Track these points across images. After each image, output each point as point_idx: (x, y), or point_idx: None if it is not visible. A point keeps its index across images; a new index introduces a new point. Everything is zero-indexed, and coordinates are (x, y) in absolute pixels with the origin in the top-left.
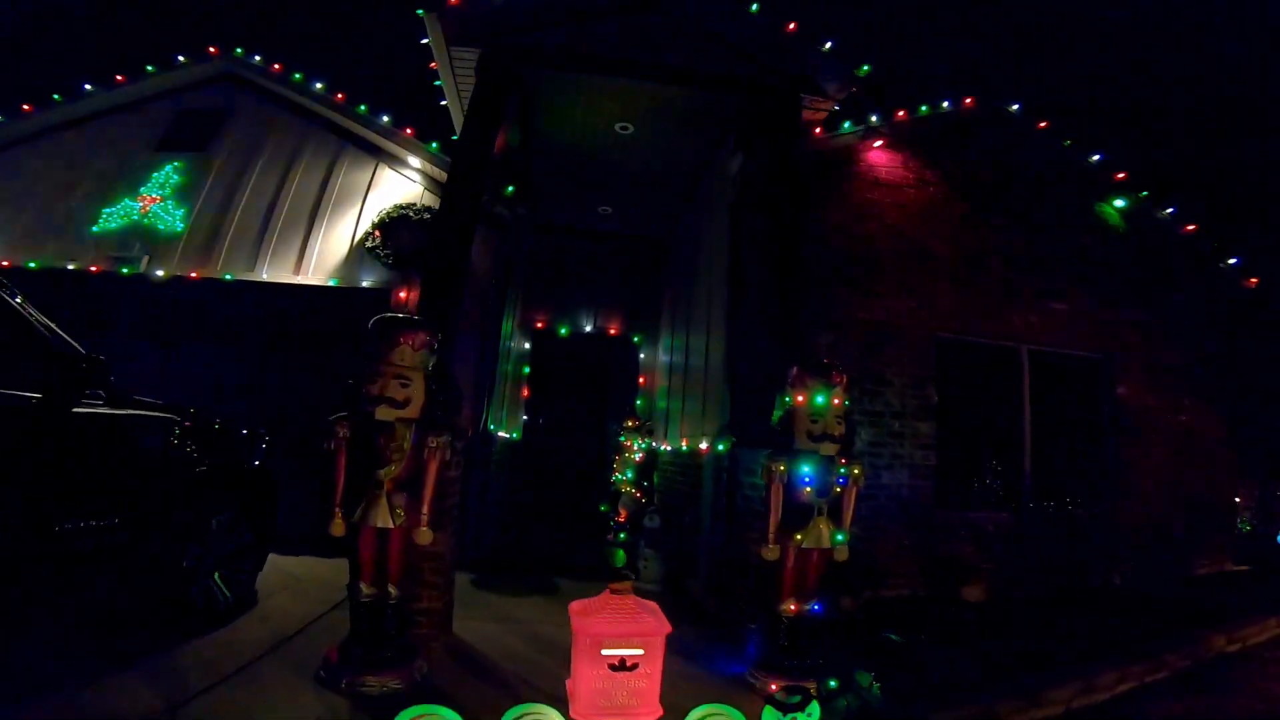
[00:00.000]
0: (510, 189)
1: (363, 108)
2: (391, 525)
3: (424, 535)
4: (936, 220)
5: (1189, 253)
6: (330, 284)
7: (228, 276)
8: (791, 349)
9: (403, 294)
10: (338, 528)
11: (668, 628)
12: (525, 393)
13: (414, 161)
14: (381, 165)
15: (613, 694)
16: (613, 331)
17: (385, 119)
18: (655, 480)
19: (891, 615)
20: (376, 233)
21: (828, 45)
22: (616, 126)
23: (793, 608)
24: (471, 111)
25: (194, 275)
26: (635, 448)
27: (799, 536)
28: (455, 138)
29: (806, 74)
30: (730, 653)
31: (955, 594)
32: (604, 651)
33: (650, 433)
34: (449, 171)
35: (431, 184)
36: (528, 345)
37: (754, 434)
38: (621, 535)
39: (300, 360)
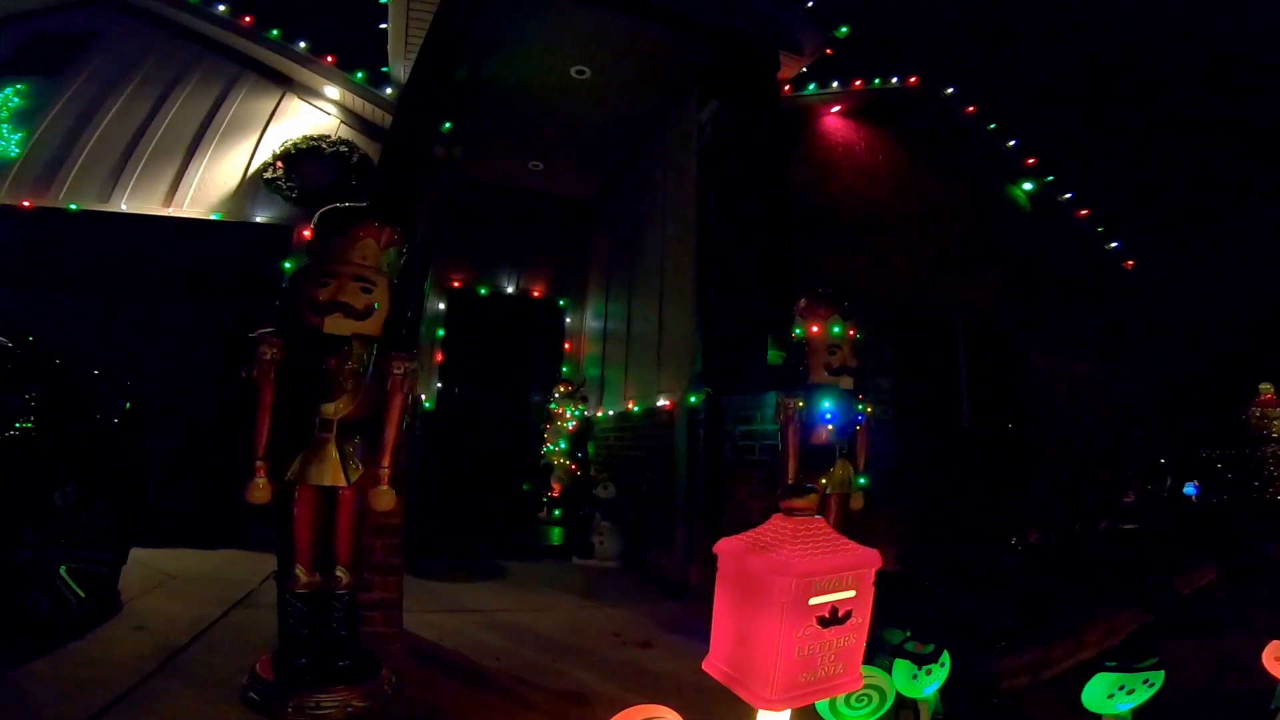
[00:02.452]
0: (449, 125)
1: (275, 33)
2: (344, 483)
3: (385, 497)
4: (886, 188)
5: (1082, 236)
6: (212, 218)
7: (72, 207)
8: (792, 287)
9: (307, 232)
10: (259, 490)
11: (879, 557)
12: (439, 357)
13: (331, 92)
14: (290, 95)
15: (818, 661)
16: (537, 294)
17: (302, 45)
18: (590, 450)
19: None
20: (278, 164)
21: (810, 3)
22: (573, 70)
23: None
24: (432, 36)
25: (26, 204)
26: (568, 416)
27: (824, 481)
28: (386, 69)
29: (787, 29)
30: None
31: None
32: (813, 600)
33: (584, 399)
34: (401, 99)
35: (351, 117)
36: (442, 305)
37: (748, 379)
38: (556, 512)
39: (168, 310)
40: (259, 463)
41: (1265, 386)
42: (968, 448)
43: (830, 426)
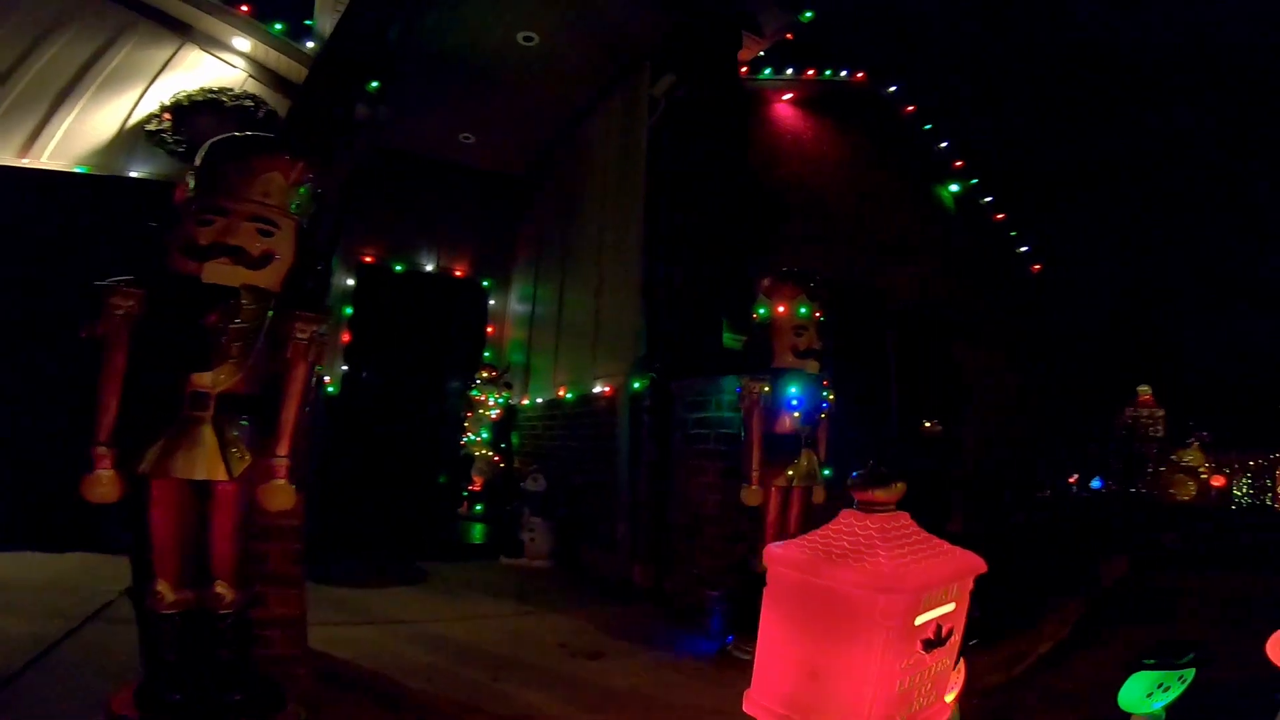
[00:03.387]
0: (375, 84)
1: None
2: (224, 477)
3: (281, 494)
4: (830, 179)
5: (998, 238)
6: (76, 171)
7: None
8: (749, 267)
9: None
10: (102, 486)
11: (982, 560)
12: (345, 338)
13: (240, 44)
14: (189, 45)
15: (915, 693)
16: (459, 273)
17: None
18: (515, 441)
19: None
20: (166, 115)
21: None
22: (520, 36)
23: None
24: None
25: None
26: (491, 403)
27: (789, 473)
28: (311, 22)
29: (749, 8)
30: (688, 629)
31: None
32: (919, 620)
33: (509, 386)
34: (324, 49)
35: (263, 72)
36: (351, 281)
37: (702, 362)
38: (478, 507)
39: (15, 274)
40: (101, 449)
41: (1144, 388)
42: (897, 438)
43: (796, 414)
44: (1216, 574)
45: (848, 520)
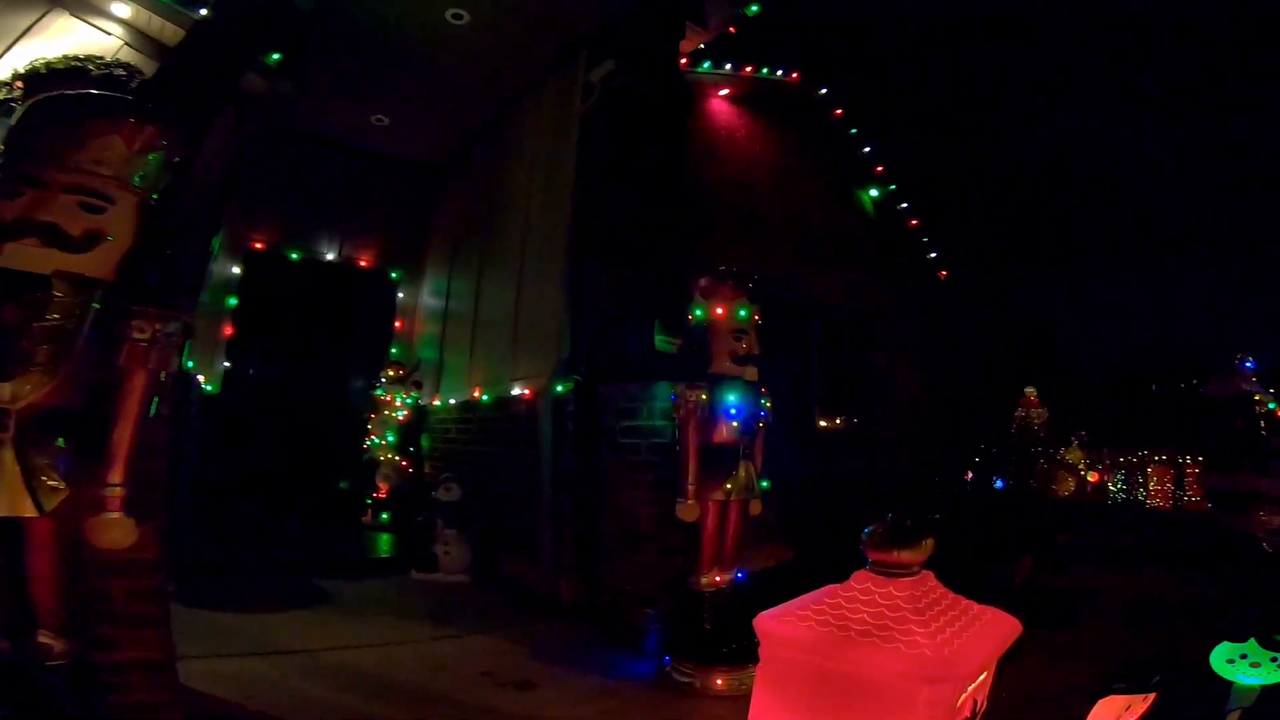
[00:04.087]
0: (277, 56)
1: None
2: (32, 512)
3: (115, 529)
4: (762, 178)
5: (912, 244)
6: None
7: None
8: (686, 266)
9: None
10: None
11: (1018, 623)
12: (228, 330)
13: (120, 9)
14: (57, 11)
15: None
16: (364, 263)
17: None
18: (425, 444)
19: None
20: (18, 84)
21: None
22: (449, 13)
23: (718, 579)
24: None
25: None
26: (398, 404)
27: (728, 485)
28: None
29: None
30: (621, 649)
31: None
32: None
33: (418, 385)
34: (212, 10)
35: (144, 41)
36: (237, 269)
37: (633, 366)
38: (384, 515)
39: None
40: None
41: (1030, 390)
42: (819, 441)
43: (735, 424)
44: (1107, 572)
45: (864, 585)
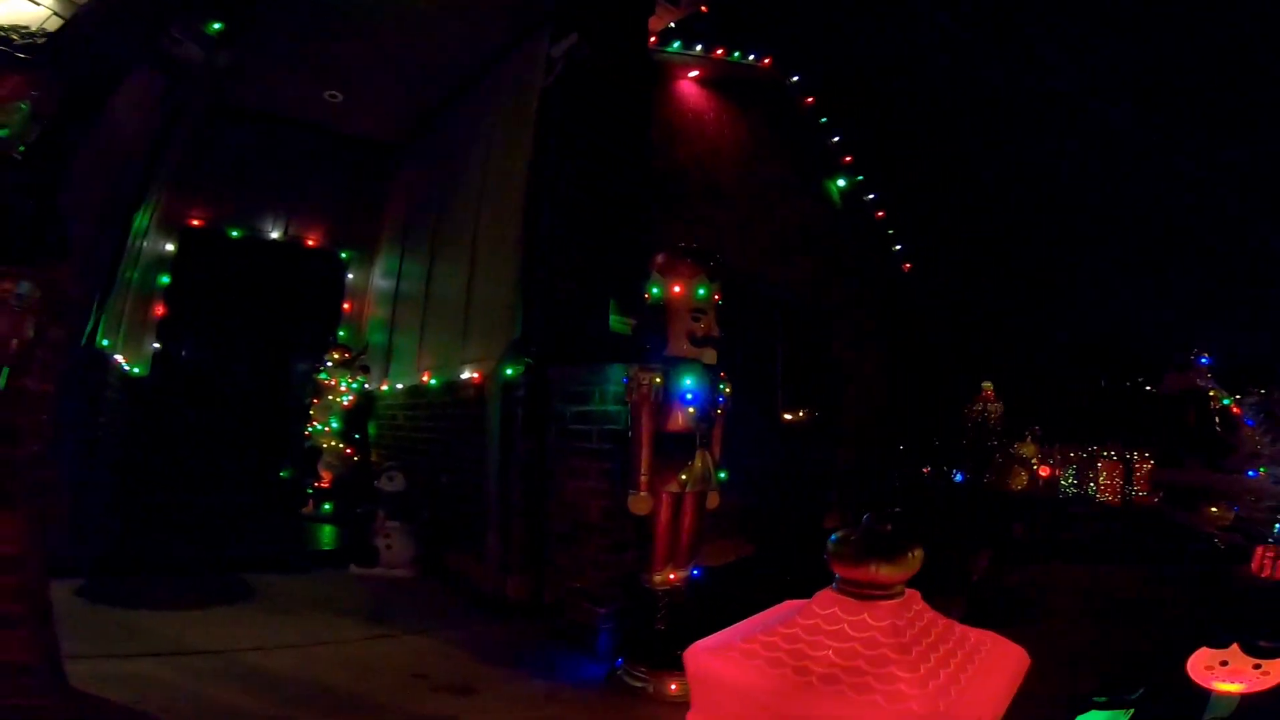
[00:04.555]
0: (217, 25)
1: None
2: None
3: None
4: (729, 164)
5: (878, 236)
6: None
7: None
8: (644, 244)
9: None
10: None
11: (1026, 654)
12: (159, 310)
13: None
14: None
15: None
16: (312, 243)
17: None
18: (372, 431)
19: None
20: None
21: None
22: None
23: (672, 577)
24: None
25: None
26: (343, 389)
27: (683, 476)
28: None
29: None
30: (571, 649)
31: None
32: None
33: (366, 370)
34: None
35: (71, 11)
36: (171, 247)
37: (585, 348)
38: (326, 506)
39: None
40: None
41: (987, 384)
42: (782, 431)
43: (691, 409)
44: (1062, 565)
45: (829, 610)
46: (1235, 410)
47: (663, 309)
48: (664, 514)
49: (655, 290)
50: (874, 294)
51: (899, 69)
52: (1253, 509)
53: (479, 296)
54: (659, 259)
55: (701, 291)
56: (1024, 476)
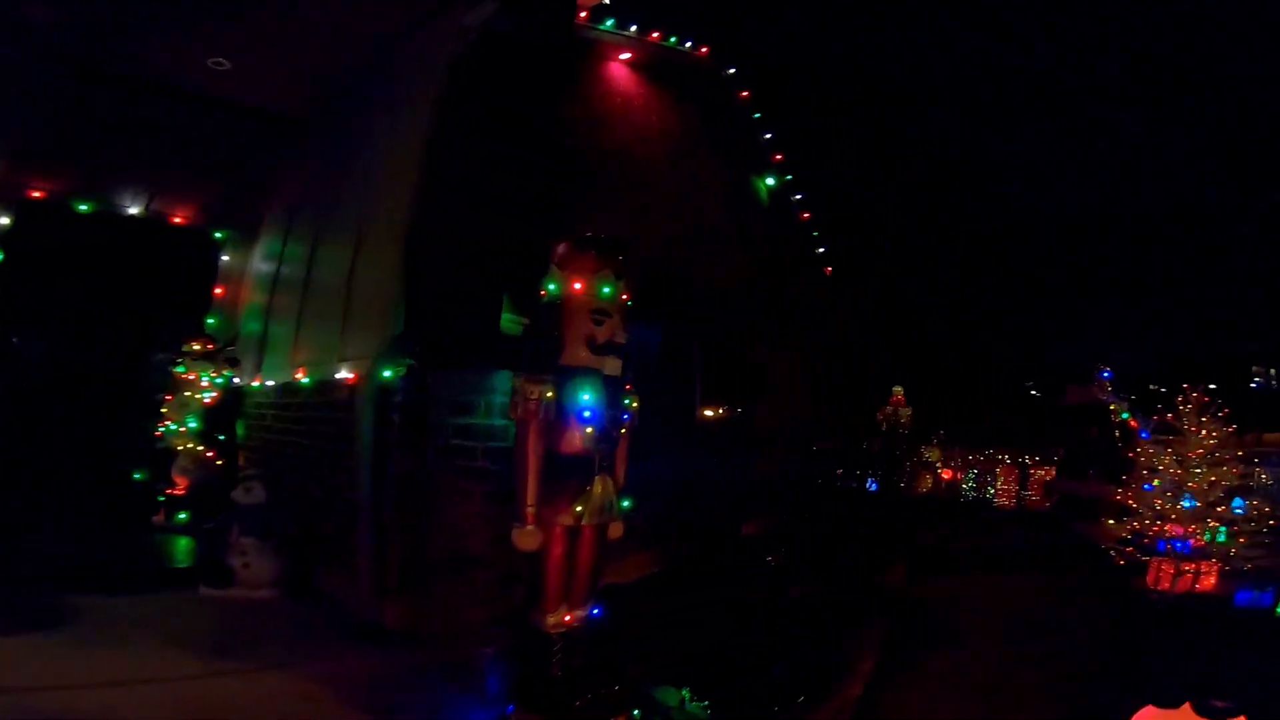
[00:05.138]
0: None
1: None
2: None
3: None
4: (658, 154)
5: (803, 238)
6: None
7: None
8: (548, 235)
9: None
10: None
11: None
12: None
13: None
14: None
15: None
16: (179, 220)
17: None
18: (240, 432)
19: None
20: None
21: None
22: None
23: (568, 619)
24: None
25: None
26: (204, 383)
27: (578, 507)
28: None
29: None
30: (456, 689)
31: None
32: None
33: (234, 363)
34: None
35: None
36: (4, 220)
37: (474, 350)
38: (181, 516)
39: None
40: None
41: (897, 389)
42: (698, 439)
43: (589, 429)
44: (975, 578)
45: None
46: (1133, 424)
47: (559, 308)
48: (556, 550)
49: (552, 286)
50: (796, 297)
51: (836, 70)
52: (1147, 523)
53: (361, 285)
54: (559, 249)
55: (606, 290)
56: (929, 480)
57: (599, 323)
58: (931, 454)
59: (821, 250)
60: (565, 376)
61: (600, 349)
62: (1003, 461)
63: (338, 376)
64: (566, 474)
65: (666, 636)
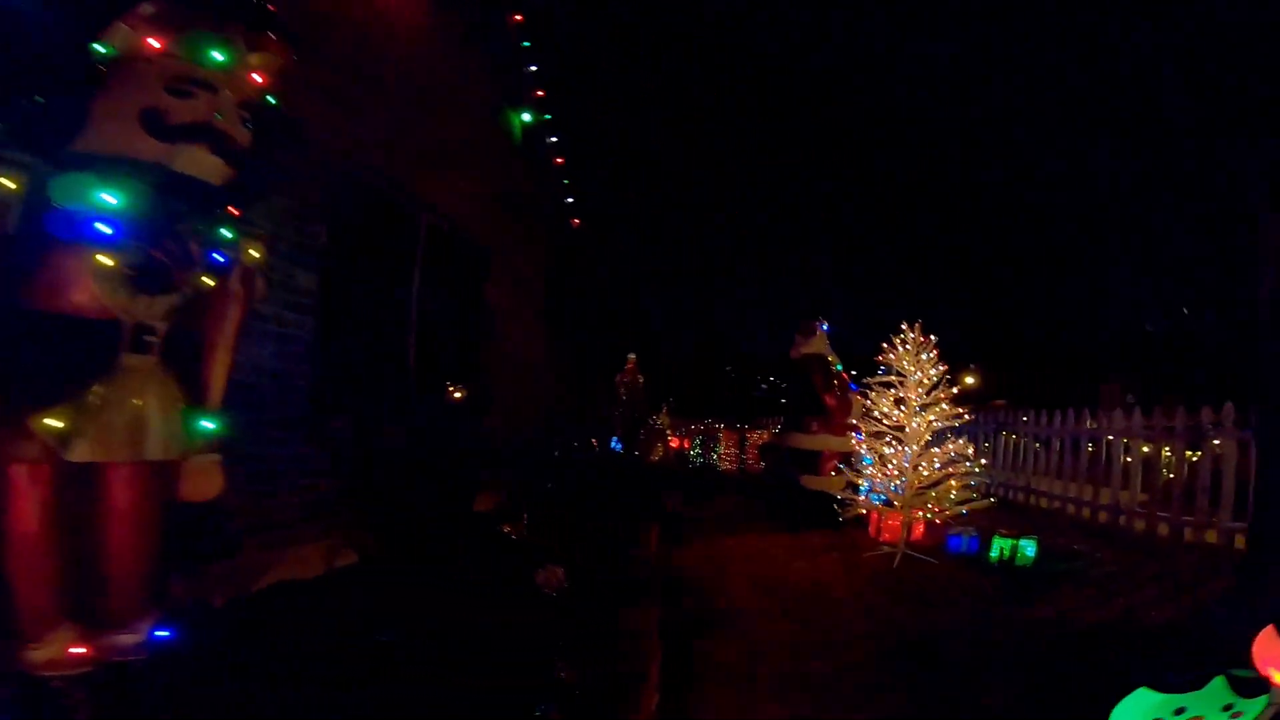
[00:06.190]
0: None
1: None
2: None
3: None
4: (399, 48)
5: (552, 182)
6: None
7: None
8: None
9: None
10: None
11: None
12: None
13: None
14: None
15: None
16: None
17: None
18: None
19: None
20: None
21: None
22: None
23: (77, 650)
24: None
25: None
26: None
27: (62, 423)
28: None
29: None
30: None
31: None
32: None
33: None
34: None
35: None
36: None
37: None
38: None
39: None
40: None
41: (631, 355)
42: (413, 392)
43: (109, 260)
44: (720, 538)
45: None
46: (844, 376)
47: (116, 69)
48: (24, 506)
49: (109, 46)
50: (538, 242)
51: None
52: (857, 472)
53: None
54: None
55: (220, 56)
56: (660, 448)
57: (179, 94)
58: (663, 421)
59: (571, 200)
60: (74, 165)
61: (171, 131)
62: (722, 428)
63: None
64: (50, 350)
65: (341, 665)
